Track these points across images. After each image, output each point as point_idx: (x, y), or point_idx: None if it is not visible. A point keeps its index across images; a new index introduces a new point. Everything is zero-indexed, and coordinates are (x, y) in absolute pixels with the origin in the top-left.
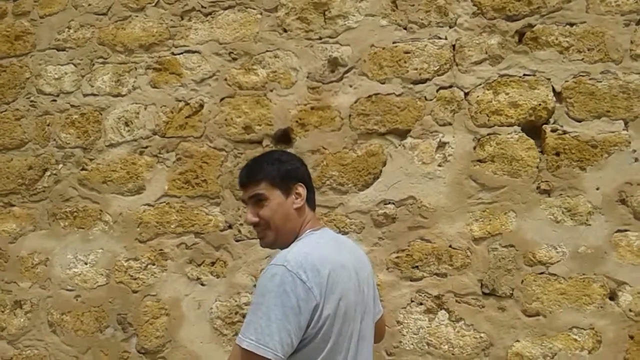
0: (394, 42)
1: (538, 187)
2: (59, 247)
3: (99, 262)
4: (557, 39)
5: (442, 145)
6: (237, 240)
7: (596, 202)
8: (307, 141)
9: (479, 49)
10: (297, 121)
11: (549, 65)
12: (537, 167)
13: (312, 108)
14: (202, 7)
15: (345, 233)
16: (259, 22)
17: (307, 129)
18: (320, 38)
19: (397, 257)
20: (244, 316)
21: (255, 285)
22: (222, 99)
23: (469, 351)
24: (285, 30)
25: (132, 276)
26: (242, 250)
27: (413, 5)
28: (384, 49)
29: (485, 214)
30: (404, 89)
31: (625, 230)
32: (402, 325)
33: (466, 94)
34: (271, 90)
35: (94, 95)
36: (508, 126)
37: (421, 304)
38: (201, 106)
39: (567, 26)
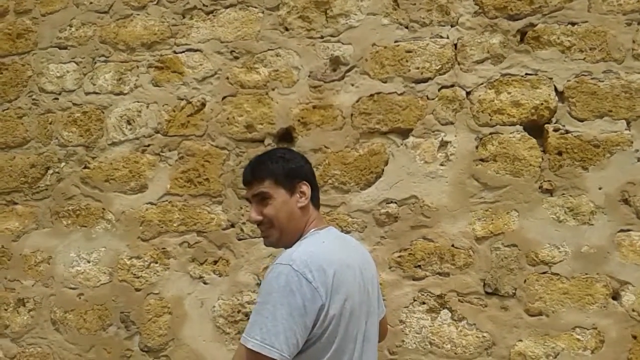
0: (395, 41)
1: (540, 187)
2: (62, 246)
3: (101, 261)
4: (559, 39)
5: (444, 144)
6: (239, 239)
7: (599, 202)
8: (309, 140)
9: (481, 48)
10: (299, 120)
11: (551, 65)
12: (540, 167)
13: (314, 107)
14: (204, 5)
15: (347, 232)
16: (260, 20)
17: (309, 127)
18: (322, 37)
19: (399, 257)
20: (246, 315)
21: (259, 284)
22: (224, 98)
23: (471, 350)
24: (286, 29)
25: (134, 274)
26: (245, 248)
27: (415, 4)
28: (385, 47)
29: (487, 213)
30: (406, 88)
31: (628, 230)
32: (404, 325)
33: (468, 93)
34: (273, 89)
35: (96, 93)
36: (510, 125)
37: (424, 303)
38: (203, 105)
39: (569, 25)
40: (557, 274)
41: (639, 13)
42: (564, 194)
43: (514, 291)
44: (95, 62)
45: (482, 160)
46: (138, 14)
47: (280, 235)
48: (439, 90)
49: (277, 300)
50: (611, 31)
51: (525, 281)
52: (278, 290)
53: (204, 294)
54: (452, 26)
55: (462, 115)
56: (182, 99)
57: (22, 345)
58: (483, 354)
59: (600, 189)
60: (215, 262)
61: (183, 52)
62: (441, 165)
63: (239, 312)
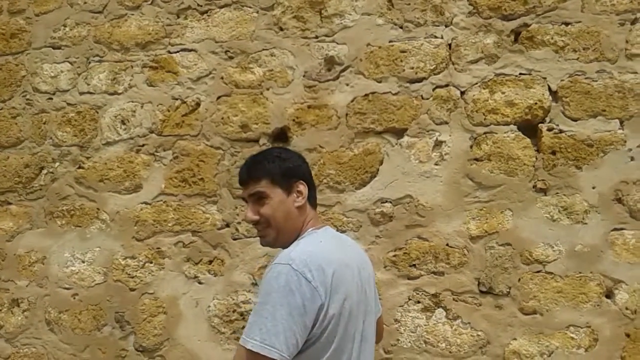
0: (390, 41)
1: (534, 186)
2: (56, 246)
3: (96, 261)
4: (552, 38)
5: (438, 144)
6: (234, 239)
7: (592, 201)
8: (303, 140)
9: (475, 48)
10: (293, 120)
11: (545, 65)
12: (534, 166)
13: (308, 107)
14: (198, 5)
15: (342, 232)
16: (255, 20)
17: (304, 127)
18: (317, 37)
19: (394, 256)
20: (241, 314)
21: (254, 284)
22: (218, 98)
23: (466, 349)
24: (281, 29)
25: (129, 274)
26: (240, 248)
27: (409, 4)
28: (380, 47)
29: (482, 212)
30: (401, 88)
31: (622, 229)
32: (399, 324)
33: (462, 93)
34: (268, 89)
35: (90, 93)
36: (504, 125)
37: (418, 302)
38: (198, 104)
39: (563, 25)
40: (551, 273)
41: (632, 13)
42: (557, 193)
43: (508, 290)
44: (90, 62)
45: (476, 159)
46: (132, 14)
47: (277, 235)
48: (434, 90)
49: (276, 301)
50: (604, 31)
51: (519, 280)
52: (277, 290)
53: (199, 294)
54: (446, 26)
55: (457, 115)
56: (177, 99)
57: (16, 346)
58: (477, 353)
59: (593, 188)
60: (210, 262)
61: (177, 52)
62: (436, 164)
63: (234, 311)
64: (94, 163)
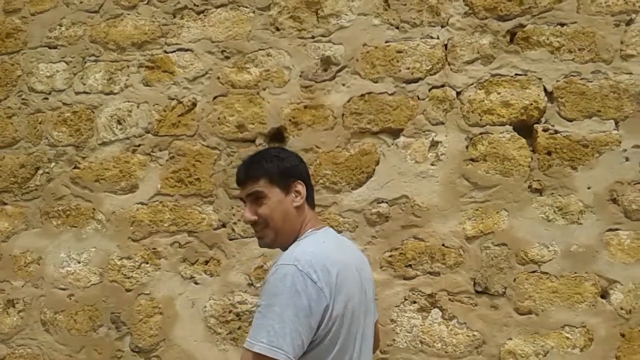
0: (386, 42)
1: (530, 186)
2: (52, 246)
3: (92, 261)
4: (548, 39)
5: (434, 144)
6: (230, 239)
7: (587, 201)
8: (300, 140)
9: (471, 49)
10: (290, 120)
11: (540, 65)
12: (529, 166)
13: (305, 107)
14: (195, 5)
15: (339, 232)
16: (251, 20)
17: (300, 127)
18: (313, 37)
19: (390, 256)
20: (238, 315)
21: (250, 284)
22: (215, 98)
23: (462, 349)
24: (277, 29)
25: (125, 275)
26: (236, 249)
27: (405, 4)
28: (376, 48)
29: (477, 212)
30: (397, 88)
31: (617, 229)
32: (395, 324)
33: (458, 94)
34: (264, 89)
35: (86, 93)
36: (500, 125)
37: (414, 302)
38: (194, 104)
39: (558, 26)
40: (547, 273)
41: (627, 14)
42: (553, 193)
43: (503, 290)
44: (86, 62)
45: (472, 160)
46: (128, 14)
47: (276, 235)
48: (430, 90)
49: (283, 302)
50: (600, 32)
51: (514, 280)
52: (283, 291)
53: (195, 294)
54: (442, 27)
55: (453, 116)
56: (173, 99)
57: (11, 347)
58: (473, 353)
59: (589, 188)
60: (207, 262)
61: (174, 51)
62: (432, 165)
63: (230, 312)
64: (89, 163)
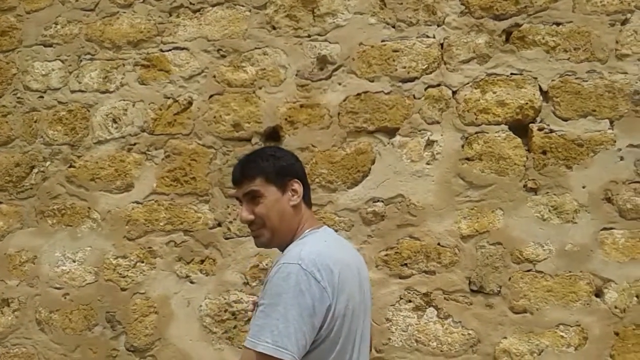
0: (382, 41)
1: (525, 186)
2: (47, 245)
3: (87, 260)
4: (543, 39)
5: (430, 143)
6: (226, 238)
7: (582, 200)
8: (296, 139)
9: (467, 48)
10: (286, 119)
11: (536, 65)
12: (524, 166)
13: (301, 106)
14: (191, 3)
15: (335, 231)
16: (247, 19)
17: (296, 126)
18: (309, 36)
19: (386, 255)
20: (233, 314)
21: (245, 284)
22: (210, 96)
23: (457, 348)
24: (274, 28)
25: (120, 274)
26: (232, 248)
27: (401, 3)
28: (372, 47)
29: (473, 212)
30: (393, 87)
31: (611, 228)
32: (391, 323)
33: (454, 93)
34: (260, 88)
35: (82, 91)
36: (495, 125)
37: (410, 301)
38: (190, 103)
39: (554, 26)
40: (542, 272)
41: (622, 14)
42: (548, 192)
43: (498, 289)
44: (81, 60)
45: (467, 159)
46: (124, 12)
47: (272, 235)
48: (425, 89)
49: (287, 302)
50: (595, 31)
51: (509, 279)
52: (288, 290)
53: (191, 294)
54: (438, 26)
55: (448, 115)
56: (169, 98)
57: (6, 346)
58: (468, 352)
59: (583, 187)
60: (202, 262)
61: (170, 50)
62: (427, 164)
63: (225, 311)
64: (85, 162)
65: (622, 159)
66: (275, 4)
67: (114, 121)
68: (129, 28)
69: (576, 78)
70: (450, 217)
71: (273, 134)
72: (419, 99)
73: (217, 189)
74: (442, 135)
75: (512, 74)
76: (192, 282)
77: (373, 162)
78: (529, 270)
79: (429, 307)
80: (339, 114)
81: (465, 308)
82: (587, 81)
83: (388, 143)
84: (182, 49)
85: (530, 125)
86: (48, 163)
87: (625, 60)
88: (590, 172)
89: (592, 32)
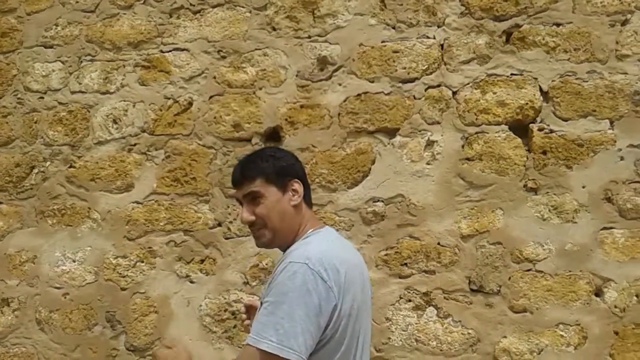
0: (382, 41)
1: (525, 185)
2: (47, 245)
3: (87, 260)
4: (544, 39)
5: (430, 143)
6: (226, 238)
7: (582, 200)
8: (296, 139)
9: (467, 49)
10: (286, 119)
11: (536, 65)
12: (524, 166)
13: (301, 106)
14: (191, 4)
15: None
16: (248, 20)
17: (297, 127)
18: (310, 37)
19: (386, 255)
20: (233, 313)
21: (246, 283)
22: (211, 97)
23: (456, 347)
24: (274, 29)
25: (120, 274)
26: (232, 247)
27: (401, 4)
28: (372, 48)
29: (473, 211)
30: (393, 88)
31: (611, 228)
32: (390, 322)
33: (454, 93)
34: (260, 89)
35: (82, 92)
36: (496, 125)
37: (410, 300)
38: (190, 104)
39: (554, 26)
40: (541, 271)
41: (622, 14)
42: (548, 192)
43: (498, 288)
44: (82, 61)
45: (467, 159)
46: (125, 13)
47: (274, 235)
48: (426, 90)
49: (293, 301)
50: (595, 32)
51: (509, 278)
52: (294, 289)
53: (191, 293)
54: (438, 27)
55: (448, 115)
56: (169, 98)
57: (6, 346)
58: (468, 351)
59: (583, 187)
60: (202, 261)
61: (170, 51)
62: (427, 164)
63: (225, 311)
64: (85, 162)
65: (622, 159)
66: (276, 5)
67: (115, 122)
68: (130, 29)
69: (576, 78)
70: (450, 216)
71: (273, 135)
72: (419, 99)
73: (217, 189)
74: (442, 135)
75: (512, 74)
76: (192, 282)
77: (373, 162)
78: (528, 270)
79: (429, 306)
80: (339, 114)
81: (465, 307)
82: (587, 81)
83: (388, 143)
84: (183, 50)
85: (531, 125)
86: (48, 163)
87: (625, 61)
88: (591, 172)
89: (592, 33)
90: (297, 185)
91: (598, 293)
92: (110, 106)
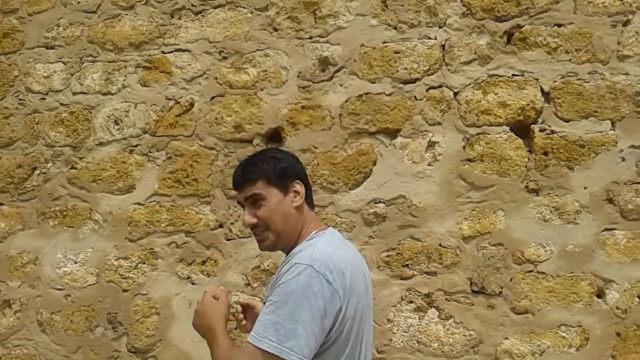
0: (384, 42)
1: (526, 186)
2: (49, 246)
3: (88, 261)
4: (545, 40)
5: (431, 144)
6: (228, 239)
7: (584, 201)
8: (297, 140)
9: (468, 49)
10: (287, 120)
11: (537, 66)
12: (526, 167)
13: (302, 107)
14: (192, 5)
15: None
16: (249, 21)
17: (298, 128)
18: (311, 37)
19: (387, 256)
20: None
21: (247, 285)
22: (212, 98)
23: (458, 349)
24: (275, 30)
25: (122, 275)
26: (233, 249)
27: (403, 5)
28: (374, 48)
29: (474, 212)
30: (394, 89)
31: (613, 229)
32: (392, 324)
33: (455, 94)
34: (262, 89)
35: (84, 93)
36: (497, 126)
37: (411, 302)
38: (191, 105)
39: (555, 27)
40: (543, 273)
41: (624, 15)
42: (549, 193)
43: (500, 290)
44: (83, 62)
45: (469, 160)
46: (126, 14)
47: (277, 238)
48: (427, 90)
49: (297, 302)
50: (596, 33)
51: (511, 280)
52: (298, 291)
53: (192, 295)
54: (440, 27)
55: (450, 116)
56: (171, 99)
57: (7, 347)
58: (470, 352)
59: (585, 188)
60: (204, 263)
61: (171, 52)
62: (429, 165)
63: None
64: (86, 163)
65: (623, 159)
66: (277, 5)
67: (116, 123)
68: (131, 30)
69: (578, 79)
70: (451, 218)
71: (274, 136)
72: (421, 100)
73: (219, 190)
74: (443, 136)
75: (513, 75)
76: (193, 283)
77: (374, 163)
78: (530, 271)
79: (431, 307)
80: (340, 115)
81: (467, 309)
82: (588, 82)
83: (389, 144)
84: (184, 50)
85: (532, 126)
86: (50, 164)
87: (627, 62)
88: (592, 173)
89: (593, 34)
90: (299, 187)
91: (600, 294)
92: (112, 107)
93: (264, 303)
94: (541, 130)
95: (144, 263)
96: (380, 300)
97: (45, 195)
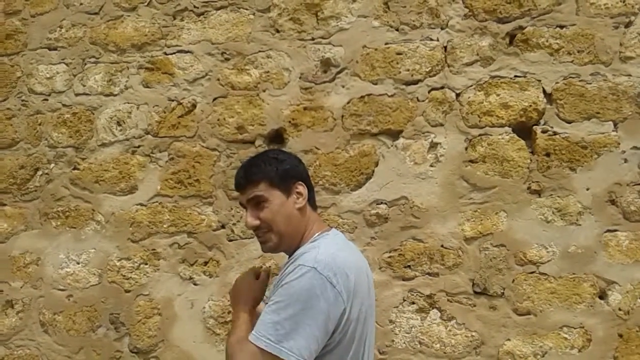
0: (386, 43)
1: (529, 188)
2: (51, 247)
3: (91, 262)
4: (547, 41)
5: (434, 145)
6: (230, 240)
7: (586, 203)
8: (299, 141)
9: (471, 51)
10: (289, 121)
11: (540, 67)
12: (528, 168)
13: (304, 108)
14: (195, 7)
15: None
16: (251, 22)
17: (300, 129)
18: (313, 39)
19: (389, 257)
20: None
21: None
22: (214, 99)
23: (460, 350)
24: (277, 31)
25: (124, 276)
26: (235, 249)
27: (405, 6)
28: (376, 50)
29: (476, 214)
30: (396, 90)
31: (615, 230)
32: (394, 325)
33: (458, 95)
34: (264, 91)
35: (86, 94)
36: (499, 127)
37: (413, 303)
38: (194, 106)
39: (558, 28)
40: (545, 274)
41: (626, 16)
42: (552, 194)
43: (502, 291)
44: (86, 63)
45: (471, 161)
46: (129, 15)
47: (280, 239)
48: (429, 92)
49: (299, 303)
50: (599, 34)
51: (513, 281)
52: (301, 292)
53: (194, 295)
54: (442, 29)
55: (452, 117)
56: (173, 100)
57: (10, 348)
58: (472, 353)
59: (587, 189)
60: (206, 263)
61: (174, 53)
62: (431, 166)
63: (229, 312)
64: (89, 164)
65: (626, 161)
66: (279, 7)
67: (118, 124)
68: (133, 31)
69: (580, 80)
70: (453, 219)
71: (277, 137)
72: (423, 101)
73: (221, 191)
74: (445, 137)
75: (515, 76)
76: (195, 284)
77: (376, 165)
78: (532, 272)
79: (433, 308)
80: (342, 116)
81: (469, 310)
82: (590, 83)
83: (392, 145)
84: (186, 52)
85: (534, 127)
86: (52, 165)
87: (629, 63)
88: (594, 174)
89: (595, 35)
90: (302, 188)
91: (602, 296)
92: (114, 108)
93: (266, 303)
94: (543, 132)
95: (146, 264)
96: (383, 301)
97: (47, 196)
